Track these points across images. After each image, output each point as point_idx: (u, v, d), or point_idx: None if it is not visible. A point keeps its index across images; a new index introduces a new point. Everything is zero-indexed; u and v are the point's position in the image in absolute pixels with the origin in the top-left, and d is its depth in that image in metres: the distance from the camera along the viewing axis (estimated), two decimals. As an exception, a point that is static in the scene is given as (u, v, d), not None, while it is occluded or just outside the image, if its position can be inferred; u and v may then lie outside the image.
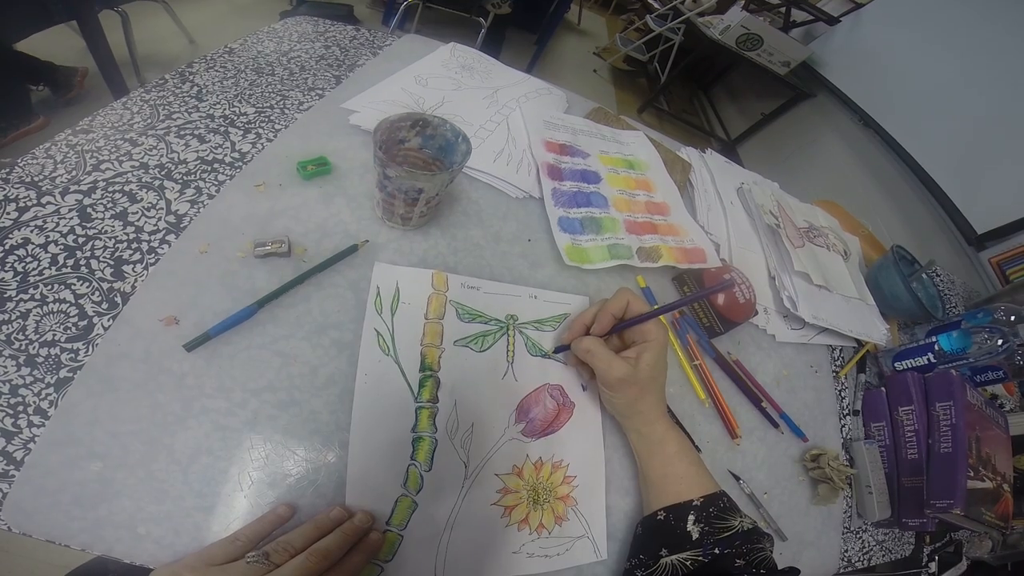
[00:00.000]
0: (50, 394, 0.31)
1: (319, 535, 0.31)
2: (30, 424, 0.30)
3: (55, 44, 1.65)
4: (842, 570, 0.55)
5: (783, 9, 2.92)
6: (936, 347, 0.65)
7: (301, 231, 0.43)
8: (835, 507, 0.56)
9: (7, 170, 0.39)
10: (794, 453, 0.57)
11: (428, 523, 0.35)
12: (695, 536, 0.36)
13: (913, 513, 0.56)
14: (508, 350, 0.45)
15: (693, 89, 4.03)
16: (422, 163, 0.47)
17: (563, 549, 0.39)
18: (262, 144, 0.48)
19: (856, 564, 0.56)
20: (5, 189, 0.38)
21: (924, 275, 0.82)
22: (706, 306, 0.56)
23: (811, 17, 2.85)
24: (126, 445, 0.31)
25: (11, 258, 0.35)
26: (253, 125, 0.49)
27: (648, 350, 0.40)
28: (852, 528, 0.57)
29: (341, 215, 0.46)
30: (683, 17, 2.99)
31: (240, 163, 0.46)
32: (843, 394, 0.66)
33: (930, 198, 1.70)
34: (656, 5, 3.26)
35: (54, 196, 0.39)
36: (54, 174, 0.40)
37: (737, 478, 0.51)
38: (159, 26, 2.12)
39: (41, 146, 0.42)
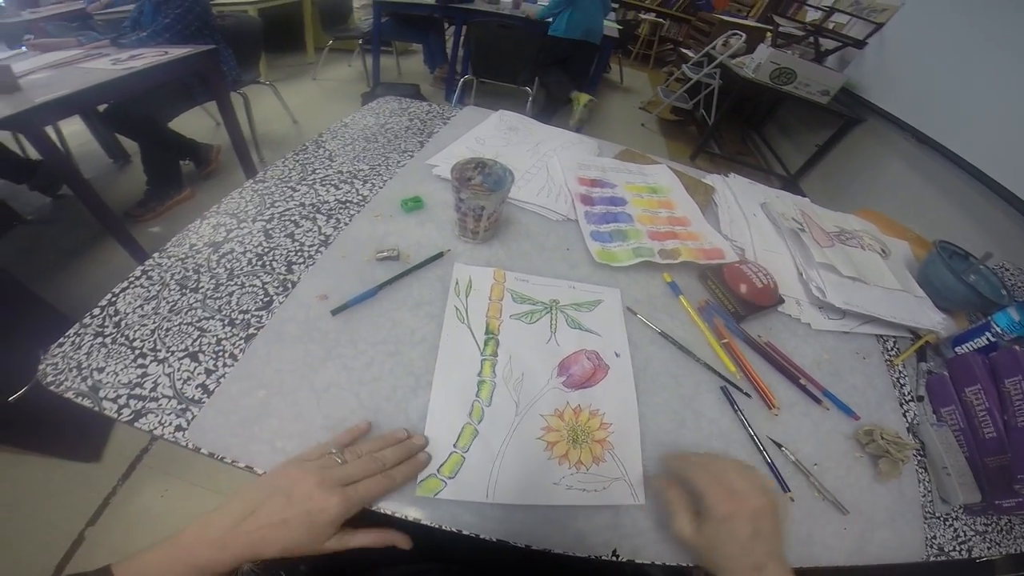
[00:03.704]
0: (241, 344, 0.47)
1: (384, 447, 0.40)
2: (224, 364, 0.44)
3: (188, 124, 2.08)
4: (932, 558, 0.51)
5: (811, 40, 2.99)
6: (993, 327, 0.65)
7: (405, 244, 0.62)
8: (908, 488, 0.54)
9: (159, 252, 0.56)
10: (846, 430, 0.57)
11: (485, 449, 0.43)
12: None
13: (1005, 493, 0.52)
14: (552, 323, 0.56)
15: (744, 130, 4.06)
16: (484, 192, 0.65)
17: (600, 487, 0.43)
18: (376, 189, 0.70)
19: (951, 554, 0.51)
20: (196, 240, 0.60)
21: (982, 267, 0.81)
22: (726, 292, 0.63)
23: (839, 44, 2.90)
24: (283, 378, 0.44)
25: (223, 260, 0.55)
26: (369, 177, 0.73)
27: (705, 520, 0.39)
28: (937, 514, 0.54)
29: (431, 234, 0.65)
30: (716, 62, 3.15)
31: (363, 202, 0.67)
32: (901, 381, 0.65)
33: (1005, 205, 1.60)
34: (690, 54, 3.47)
35: (248, 223, 0.61)
36: (247, 208, 0.63)
37: (779, 445, 0.52)
38: (268, 107, 2.67)
39: (247, 183, 0.67)
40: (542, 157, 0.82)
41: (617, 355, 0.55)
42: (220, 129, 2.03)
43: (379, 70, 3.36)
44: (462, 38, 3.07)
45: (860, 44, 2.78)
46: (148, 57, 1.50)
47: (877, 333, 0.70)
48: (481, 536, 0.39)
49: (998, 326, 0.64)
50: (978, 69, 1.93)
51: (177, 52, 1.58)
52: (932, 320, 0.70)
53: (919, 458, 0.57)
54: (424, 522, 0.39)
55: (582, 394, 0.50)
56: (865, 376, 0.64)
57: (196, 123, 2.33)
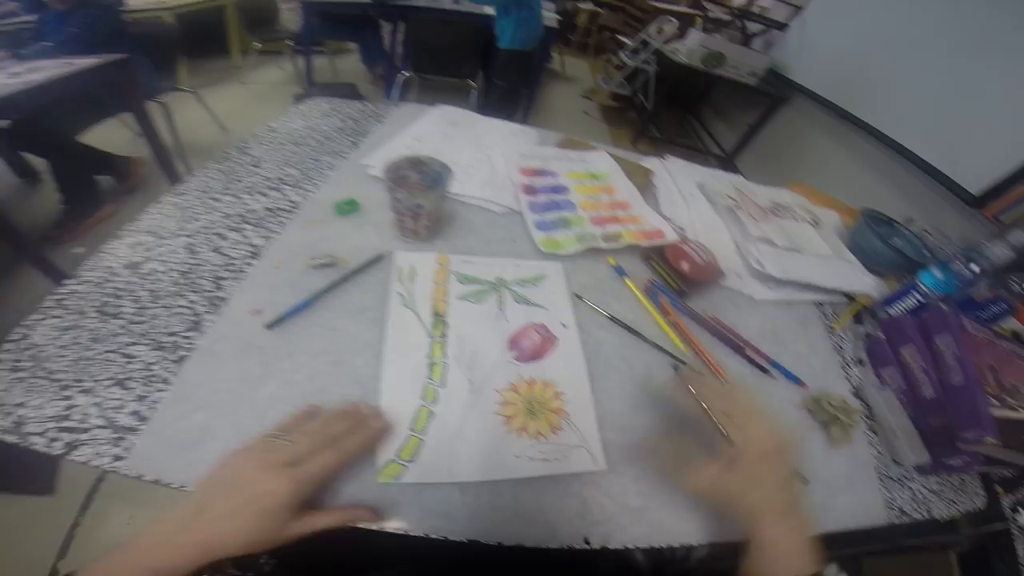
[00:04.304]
0: (172, 368, 0.43)
1: (332, 421, 0.39)
2: (157, 390, 0.41)
3: (104, 137, 1.94)
4: (896, 520, 0.51)
5: (738, 23, 3.12)
6: (920, 287, 0.68)
7: (342, 249, 0.59)
8: (861, 452, 0.55)
9: (73, 279, 0.50)
10: (795, 399, 0.58)
11: (442, 428, 0.43)
12: None
13: (951, 452, 0.53)
14: (499, 300, 0.57)
15: (681, 114, 4.19)
16: (421, 191, 0.63)
17: (561, 455, 0.44)
18: (308, 194, 0.66)
19: (914, 515, 0.52)
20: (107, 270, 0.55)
21: (906, 231, 0.87)
22: (670, 271, 0.65)
23: (763, 27, 3.07)
24: (222, 399, 0.42)
25: (145, 282, 0.51)
26: (299, 182, 0.69)
27: (738, 458, 0.38)
28: (893, 476, 0.55)
29: (369, 237, 0.62)
30: (652, 48, 3.24)
31: (295, 209, 0.64)
32: (842, 346, 0.68)
33: (921, 173, 1.75)
34: (628, 41, 3.57)
35: (168, 239, 0.56)
36: (167, 224, 0.58)
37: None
38: (193, 115, 2.49)
39: (164, 197, 0.62)
40: (484, 150, 0.81)
41: (564, 326, 0.56)
42: (141, 140, 1.88)
43: (312, 71, 3.22)
44: (400, 35, 2.99)
45: (782, 26, 2.95)
46: (49, 69, 1.36)
47: (815, 300, 0.73)
48: (450, 539, 0.38)
49: (924, 285, 0.68)
50: (891, 47, 2.08)
51: (82, 63, 1.44)
52: (864, 283, 0.75)
53: (868, 422, 0.59)
54: (389, 529, 0.38)
55: (534, 367, 0.51)
56: (808, 343, 0.66)
57: (113, 135, 2.15)
